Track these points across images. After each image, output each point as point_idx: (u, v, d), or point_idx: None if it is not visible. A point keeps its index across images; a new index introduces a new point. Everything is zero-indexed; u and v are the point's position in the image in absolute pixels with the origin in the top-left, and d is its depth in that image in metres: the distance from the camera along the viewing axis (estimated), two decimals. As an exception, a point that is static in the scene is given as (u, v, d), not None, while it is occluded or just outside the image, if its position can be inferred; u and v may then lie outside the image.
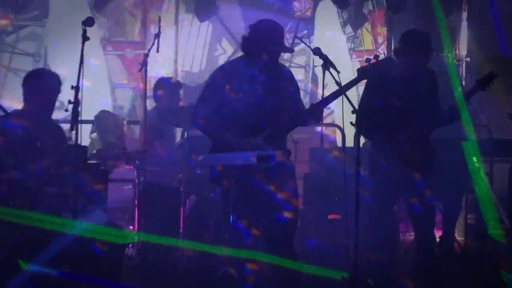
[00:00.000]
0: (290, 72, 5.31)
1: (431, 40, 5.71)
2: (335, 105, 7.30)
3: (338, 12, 10.83)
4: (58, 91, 5.37)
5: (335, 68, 4.91)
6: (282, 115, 4.96)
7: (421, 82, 5.62)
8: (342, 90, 4.81)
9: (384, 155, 5.56)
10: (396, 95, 5.55)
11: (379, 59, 4.85)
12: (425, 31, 5.88)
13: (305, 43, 6.69)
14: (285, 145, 5.10)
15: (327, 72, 4.93)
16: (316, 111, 4.99)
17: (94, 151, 7.14)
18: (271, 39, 5.00)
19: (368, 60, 4.90)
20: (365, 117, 5.18)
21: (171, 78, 7.63)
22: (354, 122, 4.84)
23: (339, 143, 7.57)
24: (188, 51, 10.37)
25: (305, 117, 4.98)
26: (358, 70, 4.94)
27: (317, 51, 5.05)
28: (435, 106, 5.68)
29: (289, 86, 5.10)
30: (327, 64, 4.97)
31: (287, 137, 5.18)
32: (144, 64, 6.49)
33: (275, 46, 5.03)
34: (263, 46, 4.98)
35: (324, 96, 5.07)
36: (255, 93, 4.95)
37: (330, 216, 6.41)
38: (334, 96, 4.91)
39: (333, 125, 8.32)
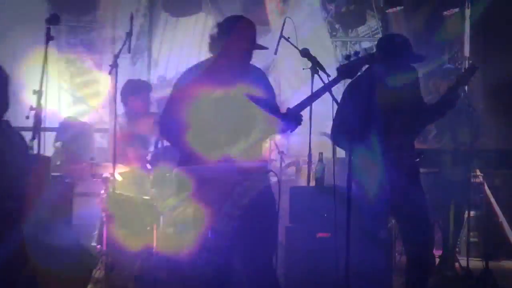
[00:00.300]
0: (264, 74, 5.28)
1: (409, 44, 5.77)
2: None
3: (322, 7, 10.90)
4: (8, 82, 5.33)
5: (324, 71, 4.93)
6: (254, 122, 4.95)
7: (402, 84, 5.68)
8: (320, 92, 4.81)
9: (370, 166, 5.59)
10: (378, 99, 5.62)
11: (360, 55, 4.89)
12: (402, 35, 5.95)
13: (291, 43, 6.69)
14: (261, 155, 5.10)
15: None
16: (293, 116, 4.96)
17: (59, 162, 7.16)
18: (241, 37, 4.99)
19: (347, 57, 4.93)
20: (343, 126, 5.19)
21: (139, 80, 7.66)
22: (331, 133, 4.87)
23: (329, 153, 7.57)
24: (182, 55, 10.35)
25: (280, 123, 4.94)
26: (337, 69, 4.94)
27: (305, 53, 5.07)
28: (419, 103, 5.78)
29: (261, 89, 5.03)
30: (316, 67, 5.00)
31: (262, 146, 5.14)
32: (114, 65, 6.51)
33: (246, 45, 5.01)
34: (232, 46, 4.96)
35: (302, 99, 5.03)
36: (223, 100, 4.93)
37: (319, 234, 6.43)
38: (312, 98, 4.89)
39: (323, 134, 8.33)
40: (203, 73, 5.03)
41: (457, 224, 7.58)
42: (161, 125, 5.06)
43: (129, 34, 6.56)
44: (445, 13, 9.59)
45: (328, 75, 4.90)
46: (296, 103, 4.91)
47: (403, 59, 5.65)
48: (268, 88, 5.11)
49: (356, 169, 5.61)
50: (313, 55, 5.40)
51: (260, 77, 5.15)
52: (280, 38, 7.00)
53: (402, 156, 5.59)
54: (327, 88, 4.79)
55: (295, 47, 6.73)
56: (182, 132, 4.91)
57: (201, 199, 4.87)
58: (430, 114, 5.81)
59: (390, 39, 5.81)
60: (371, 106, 5.57)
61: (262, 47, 5.12)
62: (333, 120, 5.26)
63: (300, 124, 4.95)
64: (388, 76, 5.65)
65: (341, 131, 5.13)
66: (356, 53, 4.88)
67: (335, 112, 5.04)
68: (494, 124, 8.74)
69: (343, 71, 4.86)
